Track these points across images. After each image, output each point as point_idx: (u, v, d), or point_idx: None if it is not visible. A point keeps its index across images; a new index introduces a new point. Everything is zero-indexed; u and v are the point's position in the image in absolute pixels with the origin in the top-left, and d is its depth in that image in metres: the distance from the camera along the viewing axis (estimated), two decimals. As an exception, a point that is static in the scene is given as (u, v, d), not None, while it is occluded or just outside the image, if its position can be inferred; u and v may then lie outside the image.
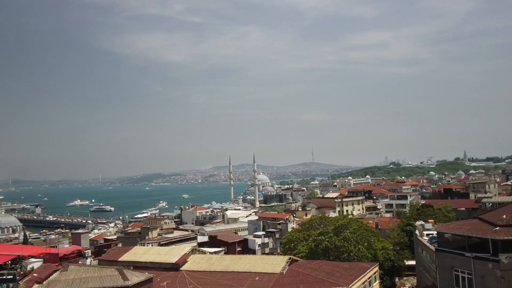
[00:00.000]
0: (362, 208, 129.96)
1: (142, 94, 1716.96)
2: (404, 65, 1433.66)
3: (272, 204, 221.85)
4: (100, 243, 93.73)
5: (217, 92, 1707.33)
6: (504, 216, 35.74)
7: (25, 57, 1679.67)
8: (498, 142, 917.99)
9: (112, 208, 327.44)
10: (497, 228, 33.82)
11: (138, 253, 55.10)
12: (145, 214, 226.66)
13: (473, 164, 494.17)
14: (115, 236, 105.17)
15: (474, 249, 34.52)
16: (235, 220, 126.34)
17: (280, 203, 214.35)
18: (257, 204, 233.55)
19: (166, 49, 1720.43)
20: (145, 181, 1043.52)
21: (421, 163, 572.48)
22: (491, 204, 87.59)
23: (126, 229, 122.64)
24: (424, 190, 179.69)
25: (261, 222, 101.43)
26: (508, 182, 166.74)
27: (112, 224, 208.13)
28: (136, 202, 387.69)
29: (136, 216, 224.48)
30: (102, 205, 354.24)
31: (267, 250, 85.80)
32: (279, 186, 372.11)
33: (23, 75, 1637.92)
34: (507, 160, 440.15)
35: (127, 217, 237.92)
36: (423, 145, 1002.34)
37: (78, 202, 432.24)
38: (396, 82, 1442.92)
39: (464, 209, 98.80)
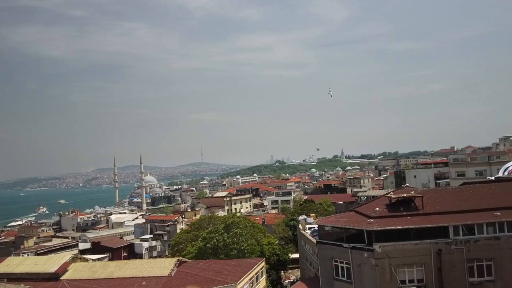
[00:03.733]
0: (250, 206, 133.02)
1: (16, 91, 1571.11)
2: (289, 68, 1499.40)
3: (160, 206, 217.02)
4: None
5: (101, 90, 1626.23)
6: (377, 209, 38.72)
7: None
8: (371, 140, 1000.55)
9: None
10: (371, 220, 36.59)
11: (13, 264, 50.22)
12: (20, 222, 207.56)
13: (350, 161, 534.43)
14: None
15: (351, 240, 36.92)
16: (121, 224, 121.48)
17: (169, 205, 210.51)
18: (144, 207, 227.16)
19: (43, 43, 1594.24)
20: (18, 186, 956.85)
21: (303, 160, 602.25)
22: (365, 197, 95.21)
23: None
24: (307, 186, 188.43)
25: (149, 225, 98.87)
26: (381, 177, 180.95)
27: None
28: (9, 209, 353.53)
29: (9, 225, 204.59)
30: None
31: (155, 254, 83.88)
32: (168, 187, 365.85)
33: None
34: (379, 157, 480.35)
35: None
36: (305, 144, 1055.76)
37: None
38: (282, 84, 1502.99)
39: (342, 202, 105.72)
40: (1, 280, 40.78)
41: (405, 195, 39.35)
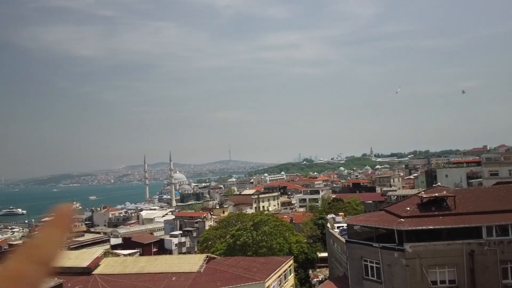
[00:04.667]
0: (278, 204, 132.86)
1: (48, 90, 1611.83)
2: (315, 66, 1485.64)
3: (189, 202, 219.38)
4: (4, 249, 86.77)
5: (129, 88, 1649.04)
6: (408, 208, 38.21)
7: None
8: (401, 139, 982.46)
9: (24, 211, 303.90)
10: (402, 219, 36.11)
11: (46, 259, 51.88)
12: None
13: (379, 159, 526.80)
14: (21, 241, 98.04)
15: (381, 239, 36.55)
16: (151, 220, 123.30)
17: (198, 202, 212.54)
18: (174, 203, 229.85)
19: (74, 43, 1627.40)
20: (52, 182, 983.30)
21: (331, 159, 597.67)
22: (395, 197, 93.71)
23: (32, 233, 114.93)
24: (335, 185, 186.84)
25: (178, 221, 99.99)
26: (411, 176, 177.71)
27: (17, 228, 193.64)
28: (42, 205, 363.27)
29: (43, 220, 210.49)
30: (12, 208, 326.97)
31: (184, 250, 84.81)
32: (196, 184, 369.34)
33: None
34: (409, 156, 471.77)
35: (33, 220, 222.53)
36: (333, 142, 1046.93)
37: None
38: (308, 82, 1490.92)
39: (371, 202, 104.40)
40: (36, 273, 41.92)
41: (436, 194, 38.65)
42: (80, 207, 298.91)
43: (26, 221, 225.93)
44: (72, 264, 48.25)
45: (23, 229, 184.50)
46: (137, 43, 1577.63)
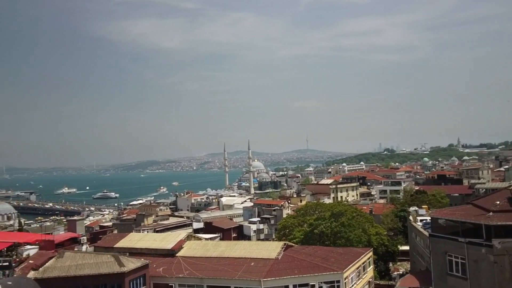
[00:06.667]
0: (356, 194, 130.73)
1: (135, 81, 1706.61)
2: (397, 52, 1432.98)
3: (267, 190, 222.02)
4: (96, 230, 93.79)
5: (210, 78, 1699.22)
6: (498, 202, 35.98)
7: (18, 45, 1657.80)
8: (492, 128, 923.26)
9: (117, 195, 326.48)
10: (491, 213, 34.06)
11: (134, 240, 55.28)
12: (140, 201, 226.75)
13: (467, 150, 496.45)
14: (111, 223, 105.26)
15: (467, 234, 34.78)
16: (230, 206, 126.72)
17: (275, 190, 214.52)
18: (252, 191, 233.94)
19: (159, 35, 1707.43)
20: (139, 168, 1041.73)
21: (415, 149, 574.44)
22: (484, 190, 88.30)
23: (121, 216, 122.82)
24: (418, 176, 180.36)
25: (256, 208, 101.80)
26: (501, 168, 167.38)
27: (107, 211, 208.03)
28: (130, 189, 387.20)
29: (131, 203, 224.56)
30: (105, 192, 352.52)
31: (262, 236, 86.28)
32: (274, 172, 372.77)
33: (15, 63, 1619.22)
34: (500, 147, 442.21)
35: (122, 204, 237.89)
36: (417, 132, 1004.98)
37: (65, 190, 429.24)
38: (389, 69, 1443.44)
39: (457, 195, 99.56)
40: (124, 254, 44.87)
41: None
42: (166, 192, 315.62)
43: (116, 204, 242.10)
44: (157, 246, 51.07)
45: (113, 211, 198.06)
46: (217, 34, 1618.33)
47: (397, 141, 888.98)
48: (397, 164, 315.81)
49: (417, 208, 62.07)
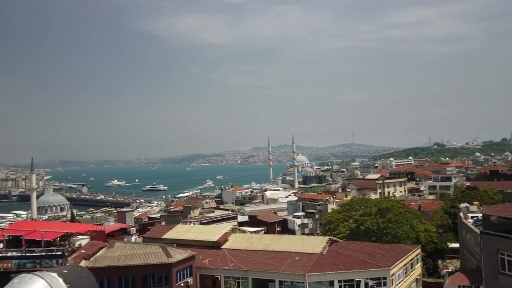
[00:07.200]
0: (404, 190, 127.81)
1: (182, 76, 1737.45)
2: (447, 43, 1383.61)
3: (312, 185, 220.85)
4: (144, 221, 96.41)
5: (255, 73, 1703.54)
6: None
7: (69, 40, 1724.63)
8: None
9: (166, 187, 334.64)
10: (547, 211, 32.57)
11: (181, 231, 56.59)
12: (187, 194, 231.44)
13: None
14: (159, 215, 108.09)
15: (522, 232, 33.46)
16: (275, 200, 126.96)
17: (320, 184, 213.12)
18: (296, 185, 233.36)
19: (204, 30, 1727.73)
20: (186, 162, 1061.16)
21: (466, 144, 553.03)
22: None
23: (169, 208, 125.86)
24: (469, 172, 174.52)
25: (301, 202, 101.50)
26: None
27: (155, 203, 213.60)
28: (177, 182, 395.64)
29: (178, 196, 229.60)
30: (155, 184, 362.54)
31: (306, 231, 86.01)
32: (319, 167, 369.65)
33: (67, 59, 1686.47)
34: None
35: (169, 196, 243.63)
36: (468, 125, 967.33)
37: (115, 182, 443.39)
38: (439, 61, 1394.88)
39: (510, 191, 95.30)
40: (171, 245, 46.07)
41: None
42: (212, 185, 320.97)
43: (164, 197, 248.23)
44: (203, 238, 52.08)
45: (160, 203, 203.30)
46: (262, 28, 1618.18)
47: (448, 135, 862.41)
48: (447, 159, 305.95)
49: (468, 205, 60.10)
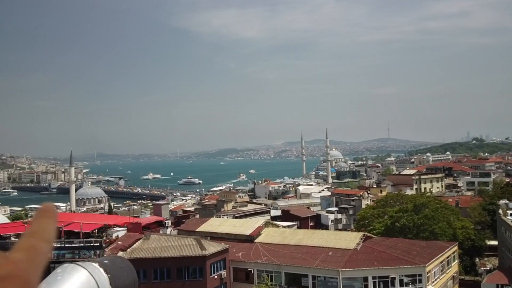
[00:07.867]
0: (442, 186, 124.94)
1: (216, 70, 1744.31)
2: (488, 35, 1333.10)
3: (345, 180, 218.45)
4: (179, 214, 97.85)
5: (289, 67, 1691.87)
6: None
7: (107, 35, 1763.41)
8: None
9: (201, 181, 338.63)
10: None
11: (215, 225, 57.27)
12: (220, 187, 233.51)
13: None
14: (193, 208, 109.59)
15: None
16: (308, 195, 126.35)
17: (354, 180, 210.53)
18: (330, 180, 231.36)
19: (239, 25, 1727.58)
20: (219, 156, 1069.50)
21: (506, 139, 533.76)
22: None
23: (202, 201, 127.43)
24: (509, 168, 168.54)
25: (334, 198, 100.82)
26: None
27: (190, 196, 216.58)
28: (211, 176, 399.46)
29: (212, 189, 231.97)
30: (190, 178, 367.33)
31: (340, 226, 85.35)
32: (353, 162, 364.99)
33: (104, 54, 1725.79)
34: None
35: (203, 189, 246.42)
36: (509, 120, 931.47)
37: (150, 176, 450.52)
38: (479, 53, 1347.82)
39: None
40: (205, 238, 46.73)
41: None
42: (245, 179, 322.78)
43: (198, 190, 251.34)
44: (236, 231, 52.54)
45: (195, 197, 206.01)
46: (296, 22, 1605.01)
47: (487, 130, 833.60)
48: (486, 154, 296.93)
49: (507, 201, 58.54)
